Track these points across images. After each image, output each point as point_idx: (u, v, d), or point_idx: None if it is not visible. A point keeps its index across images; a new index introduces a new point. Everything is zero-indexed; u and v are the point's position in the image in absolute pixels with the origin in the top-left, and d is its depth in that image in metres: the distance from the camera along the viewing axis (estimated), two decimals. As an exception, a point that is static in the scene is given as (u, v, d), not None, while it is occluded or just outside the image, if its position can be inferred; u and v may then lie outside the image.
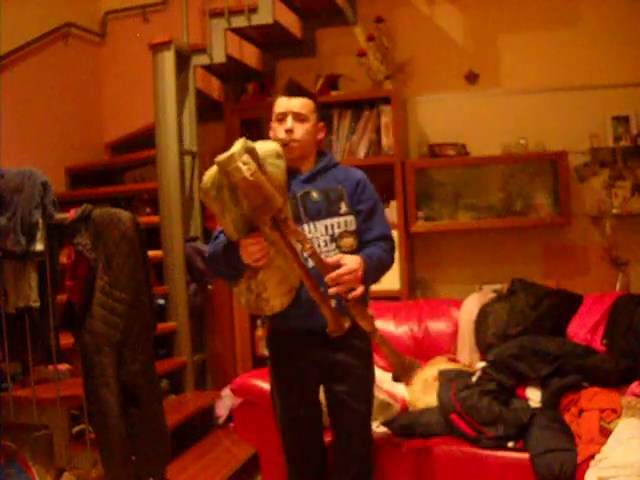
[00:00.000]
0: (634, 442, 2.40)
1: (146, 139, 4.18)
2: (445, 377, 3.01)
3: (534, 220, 4.02)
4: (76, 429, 2.95)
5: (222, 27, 3.96)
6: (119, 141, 4.82)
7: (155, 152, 3.89)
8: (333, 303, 2.17)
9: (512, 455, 2.65)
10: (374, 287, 4.26)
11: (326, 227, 2.31)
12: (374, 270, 2.30)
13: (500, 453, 2.66)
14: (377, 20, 4.24)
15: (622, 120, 4.05)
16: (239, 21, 3.95)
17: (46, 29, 4.39)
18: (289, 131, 2.33)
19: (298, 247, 2.14)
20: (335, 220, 2.32)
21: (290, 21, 4.35)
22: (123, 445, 2.55)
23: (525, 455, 2.60)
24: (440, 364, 3.15)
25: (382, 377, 3.10)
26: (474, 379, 2.93)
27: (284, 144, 2.28)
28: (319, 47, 4.54)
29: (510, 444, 2.67)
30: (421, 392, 3.04)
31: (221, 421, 3.79)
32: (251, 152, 2.05)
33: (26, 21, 4.25)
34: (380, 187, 4.17)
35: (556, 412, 2.78)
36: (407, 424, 2.90)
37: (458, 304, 3.43)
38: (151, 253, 2.83)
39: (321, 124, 2.43)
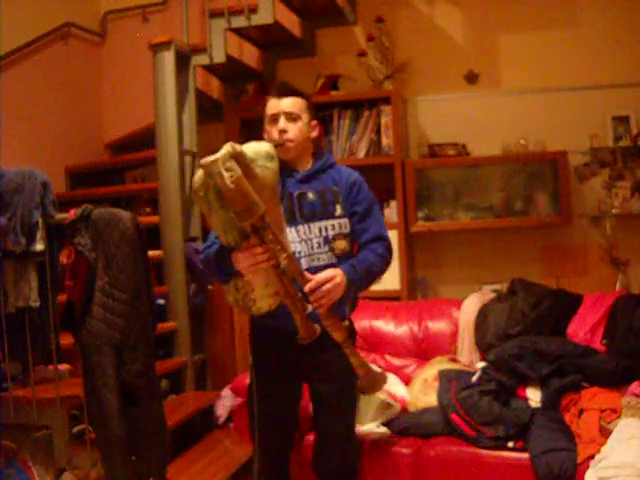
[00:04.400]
0: (634, 442, 2.40)
1: (146, 139, 4.18)
2: (445, 377, 3.01)
3: (534, 220, 4.02)
4: (76, 429, 2.95)
5: (222, 27, 3.96)
6: (119, 141, 4.81)
7: (155, 152, 3.89)
8: (310, 309, 2.14)
9: (512, 455, 2.65)
10: (374, 287, 4.25)
11: (320, 229, 2.32)
12: (359, 279, 2.29)
13: (500, 453, 2.67)
14: (377, 20, 4.24)
15: (622, 120, 4.05)
16: (239, 21, 3.95)
17: (46, 29, 4.38)
18: (282, 131, 2.33)
19: (282, 254, 2.07)
20: (330, 222, 2.33)
21: (290, 21, 4.34)
22: (123, 445, 2.55)
23: (525, 455, 2.61)
24: (440, 364, 3.15)
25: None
26: (474, 379, 2.93)
27: (279, 145, 2.27)
28: (319, 47, 4.54)
29: (510, 444, 2.68)
30: (421, 392, 3.04)
31: (221, 421, 3.78)
32: (238, 157, 2.00)
33: (26, 21, 4.24)
34: (380, 187, 4.21)
35: (556, 412, 2.78)
36: (407, 424, 2.90)
37: (458, 304, 3.42)
38: (151, 253, 2.83)
39: (314, 122, 2.42)
